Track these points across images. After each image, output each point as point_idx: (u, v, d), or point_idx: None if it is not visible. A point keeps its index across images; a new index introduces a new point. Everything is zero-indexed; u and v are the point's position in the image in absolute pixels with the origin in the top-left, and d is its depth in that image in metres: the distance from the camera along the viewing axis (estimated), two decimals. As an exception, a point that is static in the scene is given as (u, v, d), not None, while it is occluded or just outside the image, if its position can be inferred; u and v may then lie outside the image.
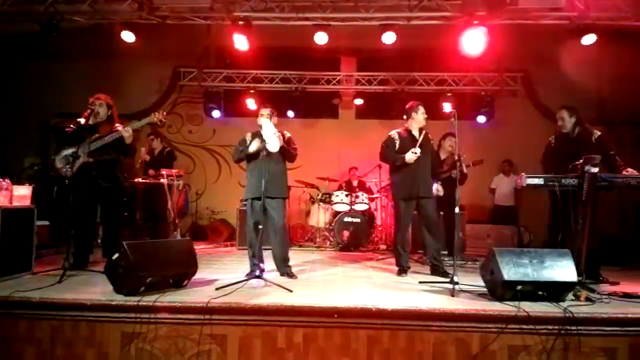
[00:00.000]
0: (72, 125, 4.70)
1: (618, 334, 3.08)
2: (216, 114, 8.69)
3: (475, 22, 5.67)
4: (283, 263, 4.51)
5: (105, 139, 4.61)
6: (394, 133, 4.93)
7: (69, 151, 4.59)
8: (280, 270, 4.50)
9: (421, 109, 4.83)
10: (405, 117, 4.98)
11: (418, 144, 4.70)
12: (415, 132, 4.84)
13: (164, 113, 4.90)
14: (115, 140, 4.62)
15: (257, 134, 4.49)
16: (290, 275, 4.41)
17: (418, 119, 4.82)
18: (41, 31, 5.99)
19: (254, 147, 4.39)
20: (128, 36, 6.42)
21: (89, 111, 4.61)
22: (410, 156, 4.62)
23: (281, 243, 4.52)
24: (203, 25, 6.81)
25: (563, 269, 3.39)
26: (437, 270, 4.71)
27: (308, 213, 7.90)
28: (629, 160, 4.44)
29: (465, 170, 5.68)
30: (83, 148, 4.54)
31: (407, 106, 4.98)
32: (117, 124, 4.77)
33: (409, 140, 4.79)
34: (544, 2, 5.60)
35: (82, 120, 4.61)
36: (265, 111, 4.45)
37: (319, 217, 7.47)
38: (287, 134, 4.65)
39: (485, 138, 8.33)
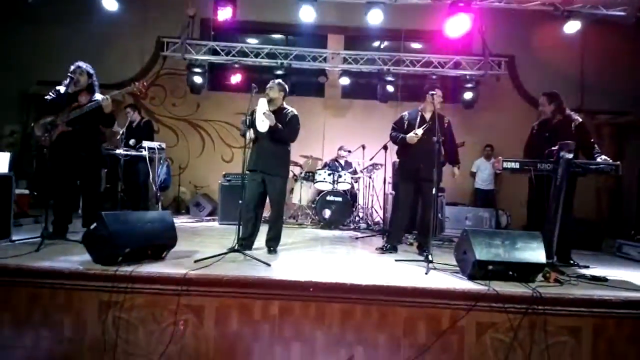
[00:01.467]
0: (51, 93, 4.62)
1: (583, 315, 3.20)
2: (200, 87, 8.57)
3: (461, 4, 5.68)
4: (272, 237, 4.54)
5: (84, 108, 4.54)
6: (405, 113, 4.96)
7: (48, 119, 4.52)
8: (266, 244, 4.54)
9: (438, 92, 4.75)
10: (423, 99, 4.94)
11: (423, 127, 4.70)
12: (427, 115, 4.83)
13: (144, 83, 4.84)
14: (94, 110, 4.56)
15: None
16: (271, 251, 4.46)
17: (433, 103, 4.73)
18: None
19: (242, 130, 4.40)
20: (110, 4, 6.28)
21: (68, 79, 4.52)
22: (411, 136, 4.65)
23: (275, 218, 4.55)
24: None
25: (533, 251, 3.50)
26: (423, 249, 4.79)
27: (291, 191, 7.93)
28: (608, 149, 4.55)
29: (443, 152, 5.72)
30: (62, 117, 4.49)
31: (424, 88, 4.96)
32: (97, 94, 4.70)
33: (418, 122, 4.79)
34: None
35: (62, 89, 4.54)
36: (268, 87, 4.44)
37: (302, 194, 7.51)
38: (292, 112, 4.53)
39: (468, 122, 8.40)
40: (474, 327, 3.20)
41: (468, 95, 8.45)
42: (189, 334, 3.22)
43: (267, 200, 4.57)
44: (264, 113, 4.25)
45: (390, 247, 4.85)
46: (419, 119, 4.83)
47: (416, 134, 4.64)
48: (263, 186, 4.45)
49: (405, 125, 4.86)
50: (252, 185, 4.40)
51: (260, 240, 4.60)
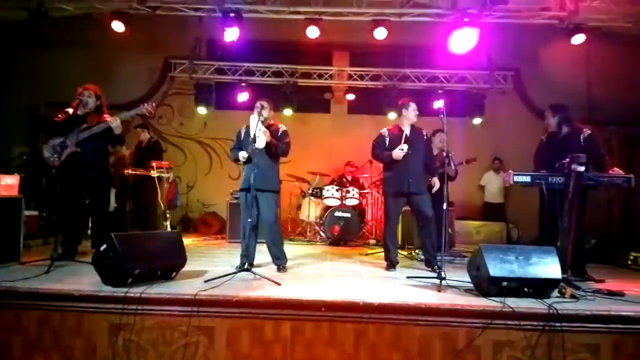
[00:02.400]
0: (60, 115, 4.66)
1: (601, 331, 3.12)
2: (207, 106, 8.63)
3: (466, 20, 5.70)
4: (275, 256, 4.52)
5: (94, 130, 4.58)
6: (384, 130, 4.95)
7: (57, 141, 4.54)
8: (274, 262, 4.53)
9: (412, 106, 4.84)
10: (397, 114, 5.00)
11: (406, 141, 4.73)
12: (406, 129, 4.86)
13: (154, 105, 4.87)
14: (104, 131, 4.60)
15: (249, 128, 4.47)
16: (280, 269, 4.43)
17: (409, 116, 4.84)
18: (30, 19, 5.92)
19: (241, 158, 4.40)
20: (118, 26, 6.37)
21: (77, 101, 4.57)
22: (397, 153, 4.64)
23: (272, 236, 4.52)
24: (194, 16, 6.77)
25: (548, 266, 3.43)
26: (431, 264, 4.75)
27: (299, 207, 7.91)
28: (616, 160, 4.50)
29: (453, 167, 5.72)
30: (71, 138, 4.52)
31: (399, 103, 5.01)
32: (105, 115, 4.74)
33: (399, 137, 4.81)
34: (533, 1, 5.65)
35: (71, 110, 4.59)
36: (257, 106, 4.44)
37: (310, 211, 7.48)
38: (282, 128, 4.62)
39: (475, 135, 8.39)
40: (490, 346, 3.13)
41: (474, 109, 8.43)
42: (199, 356, 3.18)
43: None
44: (260, 130, 4.27)
45: (391, 266, 4.79)
46: (399, 133, 4.84)
47: (402, 149, 4.64)
48: (257, 204, 4.42)
49: (387, 142, 4.85)
50: (250, 204, 4.37)
51: (261, 257, 4.57)
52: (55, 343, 3.20)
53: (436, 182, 5.08)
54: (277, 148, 4.45)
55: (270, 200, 4.49)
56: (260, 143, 4.28)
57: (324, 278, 4.18)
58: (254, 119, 4.27)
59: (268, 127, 4.49)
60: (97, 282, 3.43)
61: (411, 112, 4.83)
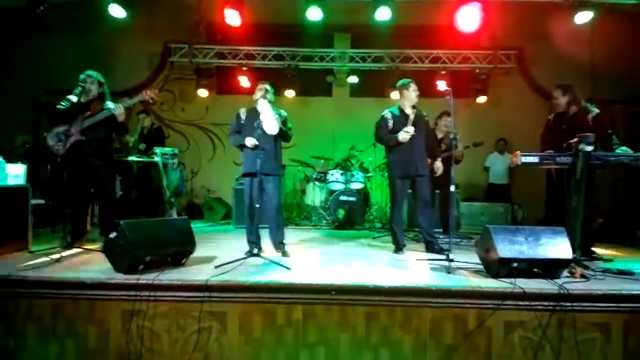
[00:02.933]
0: (63, 103, 4.62)
1: (612, 310, 3.14)
2: (208, 91, 8.56)
3: (471, -2, 5.61)
4: (278, 240, 4.51)
5: (97, 117, 4.56)
6: (386, 112, 4.91)
7: (61, 129, 4.53)
8: (275, 248, 4.53)
9: (412, 86, 4.80)
10: (399, 95, 4.95)
11: (411, 123, 4.69)
12: (408, 110, 4.82)
13: (156, 90, 4.86)
14: (107, 118, 4.58)
15: (252, 110, 4.43)
16: (285, 253, 4.43)
17: (410, 97, 4.80)
18: (28, 5, 5.84)
19: (250, 144, 4.30)
20: (117, 11, 6.28)
21: (80, 88, 4.53)
22: (404, 135, 4.61)
23: (277, 220, 4.51)
24: (194, 0, 6.67)
25: (558, 246, 3.43)
26: (431, 246, 4.76)
27: (303, 192, 7.91)
28: (622, 138, 4.47)
29: (461, 149, 5.69)
30: (75, 126, 4.50)
31: (398, 84, 4.96)
32: (108, 102, 4.71)
33: (401, 119, 4.77)
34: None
35: (74, 98, 4.54)
36: (263, 88, 4.37)
37: (315, 195, 7.48)
38: (284, 114, 4.57)
39: (479, 116, 8.34)
40: (501, 327, 3.16)
41: (478, 90, 8.37)
42: (212, 341, 3.21)
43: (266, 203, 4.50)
44: (273, 116, 4.22)
45: (399, 248, 4.79)
46: (401, 115, 4.80)
47: (407, 131, 4.61)
48: (261, 187, 4.38)
49: (391, 124, 4.81)
50: (256, 188, 4.33)
51: (264, 242, 4.58)
52: (69, 331, 3.22)
53: (439, 166, 5.06)
54: (285, 134, 4.43)
55: (276, 184, 4.47)
56: (274, 129, 4.23)
57: (333, 262, 4.19)
58: (263, 103, 4.22)
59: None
60: (109, 269, 3.44)
61: (412, 93, 4.78)
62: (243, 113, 4.52)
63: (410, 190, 4.90)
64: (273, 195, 4.44)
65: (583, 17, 5.98)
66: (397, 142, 4.69)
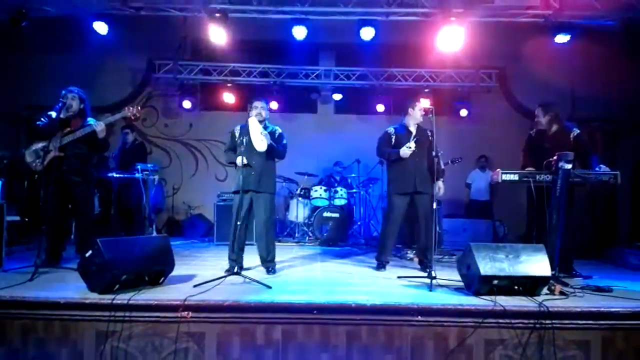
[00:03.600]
0: (43, 119, 4.54)
1: (591, 327, 3.15)
2: (192, 107, 8.53)
3: (452, 19, 5.71)
4: (265, 259, 4.47)
5: (77, 134, 4.49)
6: (390, 129, 4.94)
7: (40, 145, 4.45)
8: (263, 265, 4.49)
9: (419, 105, 4.81)
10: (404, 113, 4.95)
11: (413, 139, 4.70)
12: (412, 128, 4.84)
13: (138, 107, 4.80)
14: (87, 135, 4.51)
15: (245, 128, 4.40)
16: (269, 271, 4.38)
17: (415, 115, 4.80)
18: (10, 21, 5.78)
19: (239, 163, 4.25)
20: (101, 27, 6.25)
21: (60, 104, 4.46)
22: (405, 151, 4.62)
23: (266, 239, 4.45)
24: (179, 17, 6.67)
25: (538, 264, 3.45)
26: (425, 265, 4.73)
27: (287, 208, 7.87)
28: (601, 156, 4.55)
29: (443, 167, 5.71)
30: (54, 142, 4.42)
31: (409, 102, 4.94)
32: (89, 118, 4.64)
33: (405, 136, 4.78)
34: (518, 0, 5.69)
35: (54, 114, 4.47)
36: (253, 107, 4.40)
37: (298, 212, 7.45)
38: (279, 130, 4.58)
39: (461, 134, 8.42)
40: (482, 345, 3.14)
41: (460, 108, 8.48)
42: (190, 363, 3.13)
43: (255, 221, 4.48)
44: (261, 133, 4.22)
45: (381, 265, 4.77)
46: (405, 132, 4.82)
47: (409, 147, 4.62)
48: (250, 205, 4.38)
49: (393, 140, 4.84)
50: (243, 205, 4.31)
51: (249, 259, 4.53)
52: (40, 353, 3.12)
53: (441, 185, 4.90)
54: (276, 151, 4.40)
55: (267, 202, 4.43)
56: (262, 146, 4.22)
57: (315, 280, 4.15)
58: (253, 122, 4.21)
59: (264, 128, 4.43)
60: (83, 289, 3.35)
61: (417, 112, 4.79)
62: (237, 130, 4.50)
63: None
64: (263, 212, 4.40)
65: (562, 38, 6.11)
66: (398, 157, 4.69)
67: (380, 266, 4.75)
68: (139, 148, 6.91)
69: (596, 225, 7.95)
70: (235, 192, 4.39)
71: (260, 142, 4.20)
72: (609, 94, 8.13)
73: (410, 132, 4.81)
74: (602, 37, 7.07)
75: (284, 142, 4.56)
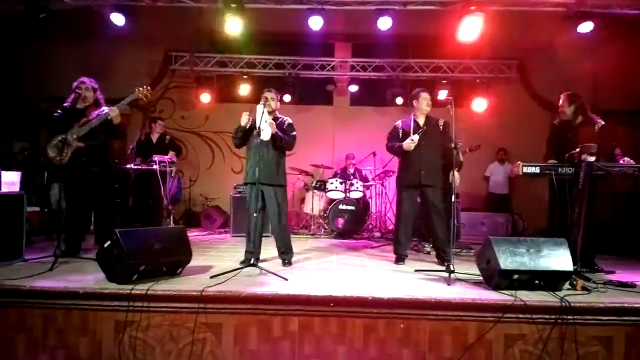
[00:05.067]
0: (59, 110, 4.58)
1: (614, 323, 3.08)
2: (208, 99, 8.54)
3: (472, 8, 5.60)
4: (281, 250, 4.47)
5: (93, 122, 4.53)
6: (398, 122, 4.90)
7: (59, 138, 4.49)
8: (279, 256, 4.49)
9: (422, 95, 4.75)
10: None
11: (419, 132, 4.64)
12: (420, 120, 4.78)
13: (148, 88, 4.82)
14: (103, 123, 4.55)
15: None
16: (285, 263, 4.38)
17: (420, 107, 4.75)
18: (27, 13, 5.83)
19: (243, 121, 4.26)
20: (118, 19, 6.27)
21: (75, 95, 4.50)
22: (408, 143, 4.57)
23: (279, 231, 4.46)
24: (195, 8, 6.67)
25: (559, 258, 3.38)
26: (441, 257, 4.69)
27: (302, 200, 7.86)
28: (623, 149, 4.43)
29: (462, 159, 5.64)
30: (72, 133, 4.46)
31: (412, 94, 4.92)
32: (103, 107, 4.68)
33: (412, 128, 4.71)
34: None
35: (69, 105, 4.51)
36: (263, 97, 4.37)
37: (314, 204, 7.43)
38: (288, 120, 4.55)
39: (479, 126, 8.29)
40: (502, 340, 3.09)
41: (479, 99, 8.34)
42: (207, 353, 3.14)
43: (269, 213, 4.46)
44: (266, 121, 4.20)
45: (400, 259, 4.73)
46: (412, 124, 4.75)
47: (412, 139, 4.56)
48: (262, 197, 4.36)
49: (400, 134, 4.78)
50: (254, 198, 4.28)
51: (266, 251, 4.51)
52: (60, 342, 3.16)
53: (457, 177, 4.89)
54: (282, 140, 4.37)
55: (277, 194, 4.43)
56: (266, 135, 4.20)
57: (331, 272, 4.13)
58: (259, 108, 4.18)
59: (274, 119, 4.42)
60: (102, 279, 3.38)
61: (422, 102, 4.74)
62: (245, 115, 4.40)
63: (419, 201, 4.81)
64: (275, 204, 4.40)
65: (585, 27, 5.94)
66: (402, 151, 4.65)
67: (399, 260, 4.71)
68: (169, 146, 6.92)
69: (619, 219, 7.79)
70: (247, 183, 4.42)
71: (263, 130, 4.17)
72: (632, 86, 7.92)
73: (418, 125, 4.74)
74: (625, 26, 6.88)
75: (293, 133, 4.52)
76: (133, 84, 8.26)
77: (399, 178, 4.85)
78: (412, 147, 4.57)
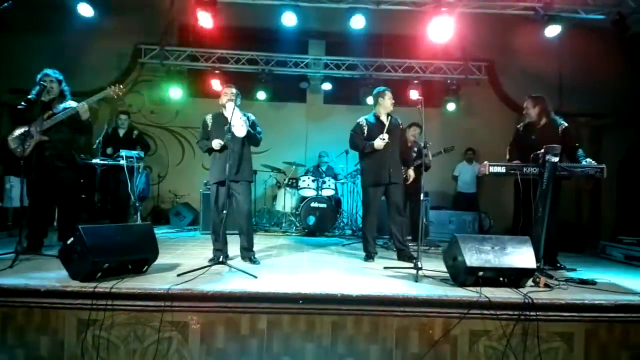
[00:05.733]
0: (23, 102, 4.43)
1: (575, 320, 3.18)
2: (179, 93, 8.39)
3: (443, 9, 5.68)
4: (246, 248, 4.42)
5: (60, 116, 4.39)
6: (362, 120, 4.91)
7: (21, 130, 4.33)
8: (242, 255, 4.43)
9: (388, 94, 4.82)
10: (373, 103, 4.96)
11: (385, 130, 4.69)
12: (384, 118, 4.83)
13: (121, 86, 4.70)
14: (70, 118, 4.41)
15: (219, 116, 4.36)
16: (253, 261, 4.33)
17: (385, 105, 4.82)
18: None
19: (217, 146, 4.22)
20: (86, 10, 6.10)
21: (39, 87, 4.35)
22: (379, 143, 4.61)
23: (246, 228, 4.42)
24: (166, 1, 6.55)
25: (523, 256, 3.46)
26: (403, 254, 4.75)
27: (274, 198, 7.83)
28: (587, 151, 4.58)
29: (430, 158, 5.74)
30: (36, 126, 4.31)
31: (374, 92, 4.97)
32: (70, 100, 4.54)
33: (377, 127, 4.77)
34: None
35: (33, 97, 4.36)
36: (230, 92, 4.31)
37: (285, 201, 7.41)
38: (252, 117, 4.50)
39: (449, 126, 8.45)
40: (467, 336, 3.15)
41: (449, 100, 8.48)
42: (172, 352, 3.09)
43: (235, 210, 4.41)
44: (240, 118, 4.16)
45: (369, 256, 4.77)
46: (377, 122, 4.81)
47: (383, 139, 4.62)
48: (229, 193, 4.29)
49: (365, 131, 4.81)
50: (224, 195, 4.22)
51: (231, 250, 4.48)
52: (20, 341, 3.06)
53: (411, 174, 5.10)
54: (254, 137, 4.35)
55: (246, 190, 4.39)
56: (241, 132, 4.16)
57: (301, 269, 4.12)
58: (230, 106, 4.13)
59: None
60: (65, 276, 3.28)
61: (387, 101, 4.81)
62: (209, 119, 4.45)
63: (383, 198, 4.88)
64: (243, 202, 4.35)
65: (552, 30, 6.10)
66: (372, 149, 4.68)
67: (368, 257, 4.75)
68: (137, 140, 6.76)
69: (581, 219, 8.06)
70: (215, 183, 4.33)
71: (241, 127, 4.14)
72: (597, 89, 8.19)
73: (382, 122, 4.79)
74: (592, 31, 7.10)
75: (259, 129, 4.50)
76: (101, 77, 8.21)
77: (365, 176, 4.87)
78: (382, 146, 4.61)
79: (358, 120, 4.93)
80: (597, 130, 8.43)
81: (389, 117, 4.83)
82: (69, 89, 4.67)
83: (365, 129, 4.82)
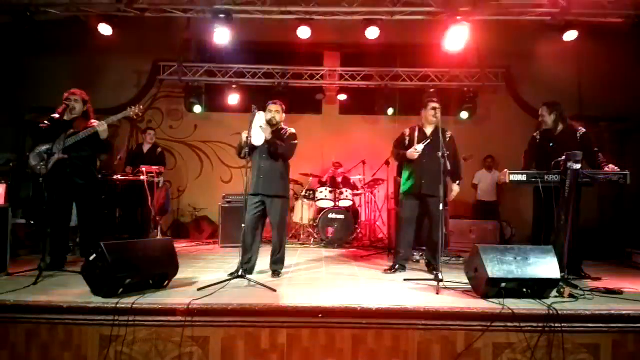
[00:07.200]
0: (46, 122, 4.54)
1: (601, 331, 3.10)
2: (197, 109, 8.51)
3: (459, 18, 5.66)
4: (274, 262, 4.45)
5: (80, 135, 4.48)
6: (406, 130, 4.87)
7: (44, 148, 4.44)
8: (271, 268, 4.46)
9: (430, 105, 4.63)
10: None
11: (424, 142, 4.59)
12: (428, 129, 4.73)
13: (141, 107, 4.79)
14: (90, 136, 4.50)
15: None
16: (275, 274, 4.35)
17: (426, 116, 4.69)
18: (14, 23, 5.79)
19: (242, 137, 4.26)
20: (105, 29, 6.25)
21: (64, 106, 4.46)
22: (412, 152, 4.57)
23: (278, 242, 4.45)
24: (183, 18, 6.67)
25: (547, 266, 3.40)
26: (431, 268, 4.69)
27: (292, 209, 7.83)
28: (608, 156, 4.49)
29: (449, 167, 5.66)
30: (58, 144, 4.41)
31: (423, 101, 4.84)
32: (92, 120, 4.64)
33: (418, 137, 4.70)
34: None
35: (57, 116, 4.47)
36: (269, 110, 4.44)
37: (303, 213, 7.41)
38: (290, 131, 4.52)
39: (467, 134, 8.32)
40: (490, 349, 3.09)
41: (466, 108, 8.41)
42: (194, 367, 3.10)
43: (269, 222, 4.47)
44: (260, 126, 4.20)
45: (399, 267, 4.71)
46: (417, 134, 4.74)
47: (416, 149, 4.56)
48: (263, 208, 4.35)
49: (407, 142, 4.77)
50: (252, 208, 4.30)
51: (261, 263, 4.49)
52: (43, 358, 3.10)
53: (456, 190, 4.86)
54: (276, 147, 4.29)
55: (278, 205, 4.39)
56: (259, 140, 4.20)
57: (320, 282, 4.11)
58: (259, 116, 4.20)
59: (279, 130, 4.46)
60: (87, 292, 3.33)
61: (428, 112, 4.65)
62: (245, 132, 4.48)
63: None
64: (273, 216, 4.40)
65: (569, 35, 6.03)
66: (405, 159, 4.66)
67: (399, 268, 4.67)
68: (158, 158, 6.89)
69: (603, 226, 7.85)
70: (251, 195, 4.38)
71: (257, 135, 4.17)
72: (617, 93, 8.03)
73: (424, 133, 4.72)
74: (610, 35, 6.99)
75: (293, 142, 4.48)
76: (121, 94, 8.38)
77: (402, 186, 4.82)
78: (416, 157, 4.56)
79: (403, 130, 4.90)
80: (619, 134, 8.25)
81: (435, 129, 4.63)
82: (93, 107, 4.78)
83: (407, 139, 4.78)
